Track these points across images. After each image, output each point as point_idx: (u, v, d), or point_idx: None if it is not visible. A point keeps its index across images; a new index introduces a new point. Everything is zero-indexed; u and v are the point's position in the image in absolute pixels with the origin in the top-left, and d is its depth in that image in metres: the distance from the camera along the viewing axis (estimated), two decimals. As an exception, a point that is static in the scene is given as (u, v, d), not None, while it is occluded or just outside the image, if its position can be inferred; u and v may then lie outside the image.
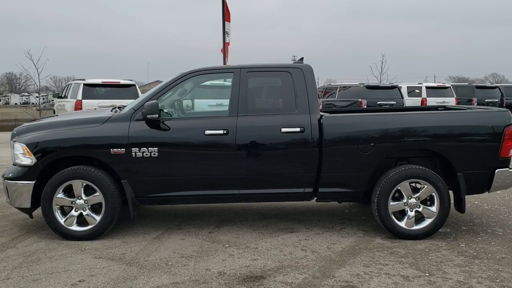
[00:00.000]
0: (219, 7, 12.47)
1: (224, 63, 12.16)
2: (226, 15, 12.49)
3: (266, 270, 3.89)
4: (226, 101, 4.94)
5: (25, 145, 4.64)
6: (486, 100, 18.08)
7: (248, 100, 4.78)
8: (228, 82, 5.03)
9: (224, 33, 12.46)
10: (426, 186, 4.61)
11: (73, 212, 4.65)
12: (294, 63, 5.19)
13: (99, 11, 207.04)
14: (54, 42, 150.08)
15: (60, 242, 4.62)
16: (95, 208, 4.69)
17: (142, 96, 5.12)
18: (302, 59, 5.18)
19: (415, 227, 4.65)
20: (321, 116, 4.73)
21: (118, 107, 5.47)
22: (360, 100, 14.90)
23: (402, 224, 4.64)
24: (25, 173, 4.64)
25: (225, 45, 12.53)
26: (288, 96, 4.84)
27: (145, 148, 4.58)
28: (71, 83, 13.83)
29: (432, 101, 16.04)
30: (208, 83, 6.56)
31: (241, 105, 4.74)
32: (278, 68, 5.00)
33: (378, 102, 14.68)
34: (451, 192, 4.81)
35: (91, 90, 12.62)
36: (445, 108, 6.02)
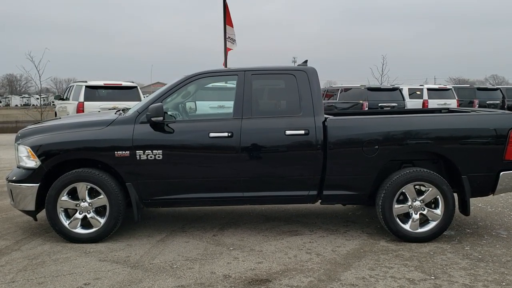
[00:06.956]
0: (222, 10, 12.47)
1: (226, 66, 12.18)
2: (227, 20, 12.48)
3: (272, 273, 3.89)
4: (228, 103, 4.92)
5: (29, 148, 4.64)
6: (487, 102, 18.02)
7: (253, 103, 4.78)
8: (230, 84, 5.00)
9: (225, 37, 12.45)
10: (430, 189, 4.61)
11: (77, 215, 4.64)
12: (298, 65, 5.19)
13: (99, 13, 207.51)
14: (54, 43, 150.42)
15: (65, 244, 4.61)
16: (100, 211, 4.69)
17: (146, 99, 5.12)
18: (306, 61, 5.18)
19: (420, 230, 4.64)
20: (326, 118, 4.73)
21: (122, 110, 5.47)
22: (361, 102, 14.89)
23: (407, 226, 4.64)
24: (29, 175, 4.64)
25: (226, 50, 12.53)
26: (292, 98, 4.84)
27: (150, 151, 4.58)
28: (73, 85, 13.82)
29: (433, 103, 15.99)
30: (209, 85, 6.57)
31: (245, 108, 4.73)
32: (282, 70, 5.01)
33: (379, 104, 14.65)
34: (455, 195, 4.80)
35: (93, 92, 12.63)
36: (449, 110, 6.02)
